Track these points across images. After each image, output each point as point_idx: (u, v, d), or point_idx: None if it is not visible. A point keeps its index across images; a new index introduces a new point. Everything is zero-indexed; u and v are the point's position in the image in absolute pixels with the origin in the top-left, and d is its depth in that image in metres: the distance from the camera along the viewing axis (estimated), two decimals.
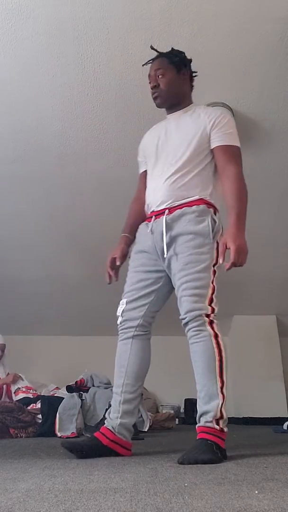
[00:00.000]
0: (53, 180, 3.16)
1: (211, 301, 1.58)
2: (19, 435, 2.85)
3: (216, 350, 1.54)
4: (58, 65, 2.46)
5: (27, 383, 3.40)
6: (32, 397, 3.24)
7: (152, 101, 2.74)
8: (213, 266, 1.62)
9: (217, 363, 1.54)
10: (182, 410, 4.37)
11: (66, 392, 3.23)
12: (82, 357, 4.34)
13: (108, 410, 1.68)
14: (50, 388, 3.63)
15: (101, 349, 4.46)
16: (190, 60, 1.84)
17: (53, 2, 2.20)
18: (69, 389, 3.26)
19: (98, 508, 0.77)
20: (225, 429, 1.48)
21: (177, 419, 4.20)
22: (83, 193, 3.27)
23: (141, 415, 3.09)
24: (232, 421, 4.41)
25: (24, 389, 3.32)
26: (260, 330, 4.55)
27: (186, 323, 1.59)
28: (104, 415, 2.73)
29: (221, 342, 1.54)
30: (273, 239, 3.70)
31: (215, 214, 1.70)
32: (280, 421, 3.66)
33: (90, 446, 1.54)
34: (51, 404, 3.00)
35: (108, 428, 1.57)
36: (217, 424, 1.47)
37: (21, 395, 3.26)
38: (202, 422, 1.48)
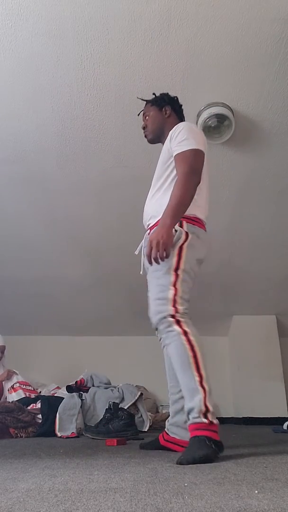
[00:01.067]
0: (53, 180, 3.16)
1: (174, 302, 1.61)
2: (19, 435, 2.85)
3: (187, 346, 1.54)
4: (58, 65, 2.46)
5: (21, 378, 3.39)
6: (28, 395, 3.24)
7: None
8: (175, 270, 1.64)
9: (191, 359, 1.52)
10: None
11: (66, 392, 3.23)
12: (82, 357, 4.34)
13: None
14: (50, 388, 3.62)
15: (101, 349, 4.48)
16: (174, 97, 2.03)
17: (53, 2, 2.20)
18: (69, 389, 3.27)
19: (98, 508, 0.77)
20: (215, 421, 1.47)
21: None
22: (83, 193, 3.27)
23: (141, 415, 3.10)
24: (232, 421, 4.41)
25: (18, 385, 3.32)
26: (260, 330, 4.54)
27: (156, 329, 1.65)
28: (104, 415, 2.74)
29: (192, 338, 1.55)
30: (273, 239, 3.70)
31: (181, 223, 1.70)
32: (280, 421, 3.66)
33: (151, 446, 1.83)
34: (51, 404, 3.00)
35: (165, 429, 1.81)
36: (205, 418, 1.46)
37: (18, 392, 3.25)
38: (190, 420, 1.50)
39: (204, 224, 1.77)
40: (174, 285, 1.63)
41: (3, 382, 3.38)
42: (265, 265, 3.95)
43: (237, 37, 2.33)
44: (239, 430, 3.25)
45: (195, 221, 1.73)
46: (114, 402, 2.85)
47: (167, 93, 2.05)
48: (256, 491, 0.90)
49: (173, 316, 1.59)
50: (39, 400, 3.08)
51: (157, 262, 1.61)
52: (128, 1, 2.20)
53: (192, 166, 1.69)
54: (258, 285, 4.19)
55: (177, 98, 2.05)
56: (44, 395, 3.24)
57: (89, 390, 3.20)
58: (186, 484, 0.98)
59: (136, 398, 3.10)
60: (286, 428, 3.02)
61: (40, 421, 2.97)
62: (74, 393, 3.09)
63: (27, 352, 4.41)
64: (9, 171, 3.09)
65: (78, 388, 3.29)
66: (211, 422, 1.46)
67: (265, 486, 0.96)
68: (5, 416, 2.86)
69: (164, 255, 1.58)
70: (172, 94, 2.03)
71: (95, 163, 3.05)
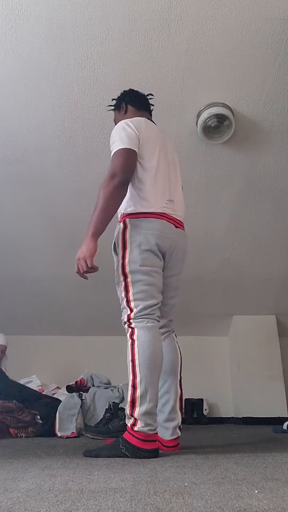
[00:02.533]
0: (53, 180, 3.16)
1: (128, 302, 1.69)
2: (19, 435, 2.85)
3: (129, 355, 1.63)
4: (58, 65, 2.46)
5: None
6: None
7: (153, 102, 2.75)
8: (123, 273, 1.72)
9: (130, 363, 1.62)
10: None
11: (66, 392, 3.23)
12: (82, 357, 4.34)
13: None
14: (50, 388, 3.62)
15: (101, 349, 4.47)
16: (128, 91, 2.08)
17: (53, 2, 2.20)
18: (69, 389, 3.26)
19: (98, 508, 0.77)
20: (142, 429, 1.53)
21: None
22: (83, 193, 3.27)
23: None
24: (232, 421, 4.42)
25: None
26: (260, 330, 4.54)
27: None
28: (104, 415, 2.74)
29: (135, 347, 1.62)
30: (273, 239, 3.70)
31: (124, 226, 1.75)
32: (280, 421, 3.67)
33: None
34: (50, 407, 2.99)
35: None
36: (131, 415, 1.56)
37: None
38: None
39: (152, 213, 1.74)
40: (126, 288, 1.70)
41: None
42: (265, 265, 3.95)
43: (237, 37, 2.33)
44: (239, 430, 3.25)
45: (139, 214, 1.74)
46: (114, 402, 2.86)
47: (124, 90, 2.07)
48: (256, 491, 0.90)
49: (128, 322, 1.68)
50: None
51: (85, 277, 1.73)
52: (128, 1, 2.20)
53: (111, 171, 1.71)
54: (258, 285, 4.19)
55: (132, 89, 2.07)
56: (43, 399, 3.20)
57: (89, 390, 3.20)
58: (186, 484, 0.98)
59: None
60: (286, 428, 3.02)
61: (40, 421, 2.97)
62: (74, 393, 3.09)
63: (27, 352, 4.41)
64: (9, 171, 3.09)
65: (78, 388, 3.29)
66: (133, 429, 1.54)
67: (265, 486, 0.96)
68: (5, 416, 2.86)
69: (86, 268, 1.66)
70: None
71: (95, 163, 3.04)
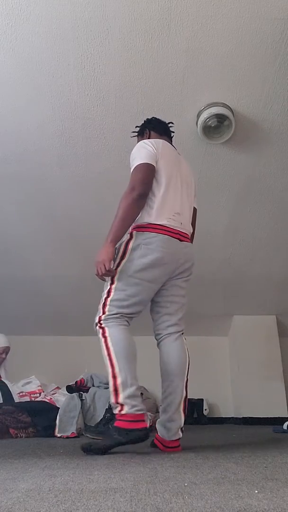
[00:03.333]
0: (53, 180, 3.16)
1: (105, 305, 1.83)
2: (19, 435, 2.85)
3: (104, 350, 1.75)
4: (58, 65, 2.46)
5: (21, 388, 3.38)
6: (33, 398, 3.24)
7: (152, 102, 2.76)
8: (112, 278, 1.84)
9: (107, 357, 1.73)
10: None
11: (66, 392, 3.23)
12: (82, 357, 4.33)
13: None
14: (50, 388, 3.62)
15: (101, 349, 4.47)
16: (150, 119, 2.22)
17: (53, 2, 2.20)
18: (69, 389, 3.27)
19: (98, 508, 0.77)
20: (129, 410, 1.63)
21: None
22: (83, 193, 3.27)
23: None
24: (232, 421, 4.42)
25: (24, 393, 3.31)
26: (260, 330, 4.55)
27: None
28: (104, 415, 2.74)
29: (108, 342, 1.75)
30: (273, 239, 3.70)
31: (130, 236, 1.88)
32: (280, 421, 3.67)
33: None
34: (34, 411, 2.98)
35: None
36: (116, 407, 1.67)
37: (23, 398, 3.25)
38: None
39: (158, 226, 1.85)
40: (109, 292, 1.84)
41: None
42: (265, 265, 3.95)
43: (237, 37, 2.33)
44: (239, 430, 3.25)
45: (145, 227, 1.85)
46: None
47: (147, 118, 2.24)
48: (256, 491, 0.90)
49: (99, 323, 1.81)
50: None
51: (104, 279, 1.84)
52: (128, 1, 2.20)
53: (131, 184, 1.85)
54: (258, 285, 4.19)
55: (154, 118, 2.23)
56: (21, 402, 3.17)
57: (89, 390, 3.20)
58: (186, 484, 0.98)
59: None
60: (286, 428, 3.02)
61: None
62: (74, 394, 3.09)
63: (27, 352, 4.41)
64: (9, 171, 3.08)
65: (78, 388, 3.29)
66: (121, 413, 1.64)
67: (265, 486, 0.96)
68: (5, 416, 2.86)
69: (104, 271, 1.77)
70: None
71: (95, 163, 3.04)
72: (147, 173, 1.87)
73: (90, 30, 2.31)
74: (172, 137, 2.24)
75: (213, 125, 2.68)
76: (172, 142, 2.21)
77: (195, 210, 2.13)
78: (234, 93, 2.61)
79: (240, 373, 4.39)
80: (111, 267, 1.79)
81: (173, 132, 2.25)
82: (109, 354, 1.72)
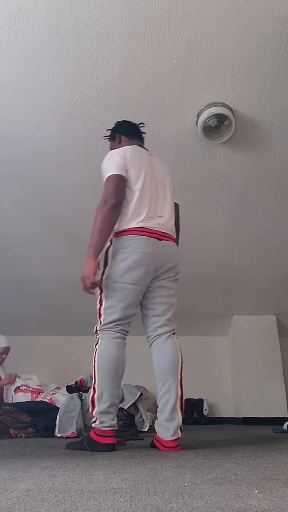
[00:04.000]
0: (53, 180, 3.16)
1: (100, 315, 1.91)
2: (19, 435, 2.85)
3: (92, 362, 1.87)
4: (58, 65, 2.46)
5: (23, 382, 3.39)
6: (30, 398, 3.23)
7: (152, 102, 2.76)
8: (100, 287, 1.91)
9: (92, 369, 1.86)
10: None
11: (66, 392, 3.23)
12: (82, 357, 4.33)
13: None
14: (50, 388, 3.62)
15: None
16: (121, 122, 2.26)
17: (53, 2, 2.20)
18: (69, 389, 3.26)
19: (98, 508, 0.77)
20: (100, 425, 1.76)
21: None
22: (83, 193, 3.27)
23: (141, 415, 3.10)
24: (232, 421, 4.42)
25: (24, 388, 3.32)
26: (260, 330, 4.54)
27: None
28: None
29: (96, 355, 1.86)
30: (273, 239, 3.70)
31: (110, 243, 1.95)
32: (280, 421, 3.67)
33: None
34: (34, 411, 2.98)
35: None
36: (92, 413, 1.80)
37: (20, 394, 3.24)
38: None
39: (135, 229, 1.90)
40: (100, 301, 1.92)
41: (4, 387, 3.38)
42: (265, 265, 3.95)
43: (237, 37, 2.33)
44: (239, 430, 3.25)
45: (121, 232, 1.92)
46: None
47: (118, 121, 2.28)
48: (256, 491, 0.90)
49: (96, 333, 1.92)
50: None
51: (92, 293, 1.90)
52: (128, 1, 2.20)
53: (104, 197, 1.92)
54: (258, 285, 4.19)
55: (124, 121, 2.26)
56: (21, 402, 3.16)
57: (89, 390, 3.20)
58: (186, 484, 0.98)
59: (136, 398, 3.10)
60: (286, 428, 3.02)
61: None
62: (74, 394, 3.08)
63: (27, 352, 4.41)
64: (9, 171, 3.08)
65: (78, 388, 3.28)
66: (93, 425, 1.78)
67: (265, 486, 0.96)
68: (5, 416, 2.86)
69: (89, 285, 1.84)
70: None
71: (95, 163, 3.03)
72: (118, 183, 1.93)
73: (90, 30, 2.31)
74: (144, 137, 2.26)
75: (213, 125, 2.68)
76: (144, 144, 2.24)
77: (177, 205, 2.17)
78: (234, 93, 2.61)
79: (240, 373, 4.39)
80: (95, 280, 1.86)
81: (144, 133, 2.27)
82: (94, 367, 1.84)
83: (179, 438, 1.79)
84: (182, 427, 1.81)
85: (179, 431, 1.79)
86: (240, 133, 2.82)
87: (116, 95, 2.62)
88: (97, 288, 1.91)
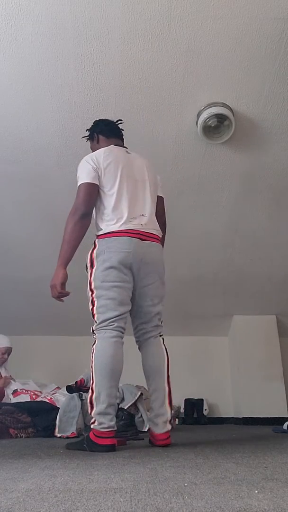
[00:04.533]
0: (53, 180, 3.16)
1: (93, 315, 1.93)
2: (19, 435, 2.85)
3: (90, 362, 1.86)
4: (58, 65, 2.46)
5: (20, 385, 3.37)
6: (34, 397, 3.23)
7: (152, 102, 2.76)
8: (90, 289, 1.94)
9: (90, 370, 1.85)
10: (182, 410, 4.37)
11: (66, 392, 3.23)
12: (82, 357, 4.33)
13: None
14: (50, 388, 3.62)
15: None
16: (98, 121, 2.26)
17: (53, 2, 2.20)
18: (69, 389, 3.26)
19: (98, 508, 0.77)
20: (98, 426, 1.76)
21: (177, 419, 4.19)
22: None
23: (141, 415, 3.09)
24: (232, 421, 4.42)
25: (23, 391, 3.31)
26: (260, 330, 4.54)
27: None
28: None
29: (93, 356, 1.87)
30: (273, 239, 3.70)
31: (94, 245, 1.99)
32: (280, 421, 3.66)
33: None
34: (34, 411, 2.98)
35: None
36: (90, 414, 1.80)
37: (20, 397, 3.24)
38: None
39: (115, 232, 1.93)
40: (92, 302, 1.93)
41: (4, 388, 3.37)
42: (265, 265, 3.95)
43: (237, 37, 2.33)
44: (239, 430, 3.25)
45: (104, 234, 1.95)
46: None
47: (95, 120, 2.28)
48: (256, 491, 0.90)
49: (93, 333, 1.93)
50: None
51: (61, 301, 1.98)
52: (128, 1, 2.20)
53: (74, 206, 1.97)
54: (258, 285, 4.18)
55: (101, 120, 2.27)
56: (21, 402, 3.15)
57: (89, 390, 3.20)
58: (186, 484, 0.98)
59: (136, 398, 3.10)
60: (286, 428, 3.02)
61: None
62: (74, 394, 3.08)
63: (27, 352, 4.40)
64: (9, 171, 3.08)
65: (78, 388, 3.28)
66: (92, 426, 1.78)
67: (265, 486, 0.96)
68: (5, 416, 2.86)
69: (57, 294, 1.92)
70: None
71: None
72: (88, 193, 1.96)
73: (90, 30, 2.31)
74: (122, 134, 2.27)
75: (213, 125, 2.68)
76: (123, 141, 2.25)
77: (161, 198, 2.19)
78: (234, 93, 2.61)
79: (240, 373, 4.39)
80: (63, 290, 1.92)
81: (123, 130, 2.27)
82: (91, 367, 1.85)
83: (169, 430, 1.89)
84: (171, 421, 1.91)
85: (168, 425, 1.88)
86: (240, 133, 2.82)
87: (116, 95, 2.62)
88: (88, 290, 1.94)
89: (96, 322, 1.91)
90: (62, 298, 1.96)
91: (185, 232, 3.58)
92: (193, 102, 2.65)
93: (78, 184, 1.98)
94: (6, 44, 2.35)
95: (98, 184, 1.98)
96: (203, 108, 2.65)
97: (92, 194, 1.96)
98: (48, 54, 2.40)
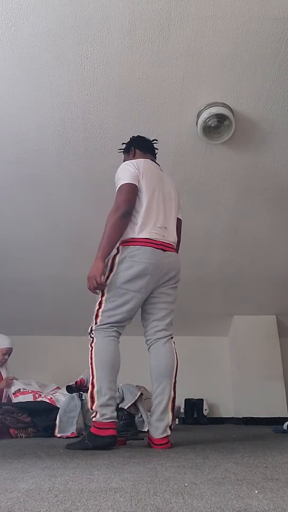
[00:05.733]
0: (53, 180, 3.16)
1: (97, 316, 1.98)
2: (19, 435, 2.85)
3: (89, 359, 1.91)
4: (58, 65, 2.46)
5: (21, 384, 3.37)
6: (37, 396, 3.23)
7: (152, 102, 2.76)
8: (102, 290, 1.99)
9: (89, 366, 1.90)
10: (182, 410, 4.37)
11: (66, 392, 3.23)
12: (82, 357, 4.33)
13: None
14: (50, 388, 3.62)
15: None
16: (136, 137, 2.34)
17: (53, 2, 2.20)
18: (69, 389, 3.26)
19: (98, 508, 0.77)
20: (100, 418, 1.80)
21: (177, 419, 4.20)
22: (83, 193, 3.27)
23: (141, 415, 3.09)
24: (232, 421, 4.42)
25: (24, 390, 3.30)
26: (260, 330, 4.54)
27: None
28: None
29: (92, 352, 1.92)
30: (273, 239, 3.70)
31: (117, 251, 2.02)
32: (280, 421, 3.66)
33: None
34: (34, 411, 2.98)
35: None
36: (91, 408, 1.83)
37: (21, 397, 3.24)
38: None
39: (142, 239, 1.98)
40: (100, 304, 1.98)
41: (4, 390, 3.37)
42: (266, 265, 3.95)
43: (237, 37, 2.33)
44: (239, 430, 3.25)
45: (129, 241, 1.99)
46: None
47: (133, 136, 2.36)
48: (256, 491, 0.90)
49: (90, 333, 1.97)
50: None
51: (96, 293, 1.99)
52: (128, 1, 2.20)
53: (116, 204, 2.00)
54: (258, 285, 4.19)
55: (139, 136, 2.34)
56: (21, 402, 3.15)
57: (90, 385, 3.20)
58: (186, 484, 0.98)
59: (136, 398, 3.10)
60: (286, 428, 3.02)
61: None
62: (74, 394, 3.08)
63: (27, 352, 4.40)
64: (9, 171, 3.09)
65: (78, 388, 3.28)
66: (94, 420, 1.81)
67: (265, 486, 0.96)
68: (5, 416, 2.86)
69: (96, 285, 1.93)
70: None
71: (95, 163, 3.04)
72: (130, 192, 2.01)
73: (90, 30, 2.31)
74: (156, 153, 2.34)
75: (213, 125, 2.69)
76: (156, 159, 2.31)
77: (179, 221, 2.27)
78: (234, 93, 2.61)
79: (240, 373, 4.39)
80: (102, 281, 1.94)
81: (157, 149, 2.34)
82: (91, 364, 1.89)
83: (168, 435, 1.89)
84: (172, 426, 1.92)
85: (168, 430, 1.89)
86: (240, 133, 2.82)
87: (116, 95, 2.62)
88: (100, 292, 1.98)
89: (97, 323, 1.96)
90: (97, 290, 1.97)
91: (185, 232, 3.56)
92: (193, 102, 2.65)
93: (120, 184, 2.03)
94: (6, 44, 2.35)
95: (138, 186, 2.04)
96: (203, 108, 2.65)
97: (133, 194, 2.02)
98: (48, 54, 2.40)
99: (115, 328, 1.95)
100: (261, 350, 4.45)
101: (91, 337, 1.97)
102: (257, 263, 3.93)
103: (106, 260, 1.98)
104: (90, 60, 2.44)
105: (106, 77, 2.52)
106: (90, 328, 1.99)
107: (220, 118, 2.64)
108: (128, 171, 2.06)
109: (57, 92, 2.60)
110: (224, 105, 2.63)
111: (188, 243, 3.73)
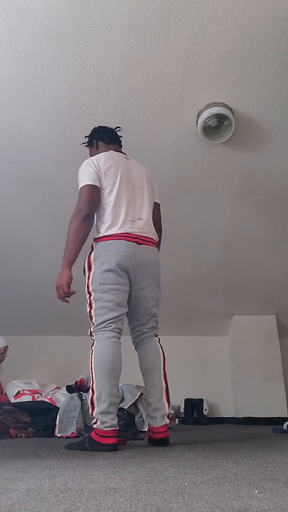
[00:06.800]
0: (53, 180, 3.16)
1: (91, 317, 1.96)
2: (19, 435, 2.85)
3: (89, 363, 1.88)
4: (58, 65, 2.46)
5: (23, 386, 3.36)
6: (36, 397, 3.23)
7: (152, 102, 2.76)
8: (88, 292, 1.98)
9: (90, 371, 1.87)
10: (182, 410, 4.37)
11: (66, 392, 3.23)
12: (82, 357, 4.33)
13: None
14: (50, 388, 3.62)
15: None
16: (97, 128, 2.32)
17: (53, 2, 2.20)
18: (69, 389, 3.26)
19: (98, 508, 0.77)
20: (101, 426, 1.77)
21: (177, 419, 4.20)
22: None
23: (141, 415, 3.09)
24: (232, 421, 4.42)
25: (26, 392, 3.30)
26: (260, 330, 4.54)
27: None
28: None
29: (92, 357, 1.88)
30: (273, 239, 3.70)
31: (92, 248, 2.02)
32: (280, 421, 3.66)
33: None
34: (34, 411, 2.98)
35: None
36: (92, 414, 1.82)
37: (23, 397, 3.24)
38: None
39: (113, 235, 1.96)
40: (90, 305, 1.96)
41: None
42: (265, 265, 3.95)
43: (237, 37, 2.33)
44: (239, 430, 3.25)
45: (101, 238, 1.99)
46: None
47: (94, 127, 2.34)
48: (256, 491, 0.90)
49: (91, 335, 1.96)
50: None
51: (66, 301, 2.00)
52: (128, 1, 2.20)
53: (77, 207, 1.99)
54: (258, 285, 4.19)
55: (100, 127, 2.32)
56: (20, 402, 3.16)
57: (89, 390, 3.20)
58: (186, 484, 0.98)
59: (136, 398, 3.10)
60: (286, 428, 3.02)
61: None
62: (74, 394, 3.08)
63: (27, 352, 4.41)
64: (9, 171, 3.08)
65: (78, 388, 3.28)
66: (94, 426, 1.79)
67: (265, 486, 0.96)
68: (5, 416, 2.86)
69: (64, 294, 1.94)
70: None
71: None
72: (91, 194, 1.99)
73: (90, 30, 2.31)
74: (121, 142, 2.31)
75: (213, 125, 2.68)
76: (122, 147, 2.29)
77: (157, 205, 2.23)
78: (234, 93, 2.61)
79: (240, 373, 4.39)
80: (69, 289, 1.94)
81: (121, 136, 2.32)
82: (91, 368, 1.87)
83: (167, 424, 1.93)
84: (169, 415, 1.96)
85: (166, 419, 1.93)
86: (240, 133, 2.82)
87: (116, 95, 2.62)
88: (86, 292, 1.97)
89: (94, 324, 1.94)
90: (67, 298, 1.97)
91: (185, 232, 3.58)
92: (193, 102, 2.65)
93: (80, 186, 2.01)
94: (6, 44, 2.35)
95: (99, 186, 2.02)
96: (203, 108, 2.65)
97: (94, 196, 2.00)
98: (48, 54, 2.40)
99: (113, 325, 1.91)
100: (261, 350, 4.45)
101: (91, 339, 1.96)
102: (257, 263, 3.93)
103: (85, 259, 1.99)
104: (90, 60, 2.44)
105: (106, 77, 2.52)
106: (89, 330, 1.98)
107: (220, 118, 2.63)
108: (87, 171, 2.04)
109: (57, 92, 2.59)
110: (224, 105, 2.63)
111: (188, 243, 3.74)
